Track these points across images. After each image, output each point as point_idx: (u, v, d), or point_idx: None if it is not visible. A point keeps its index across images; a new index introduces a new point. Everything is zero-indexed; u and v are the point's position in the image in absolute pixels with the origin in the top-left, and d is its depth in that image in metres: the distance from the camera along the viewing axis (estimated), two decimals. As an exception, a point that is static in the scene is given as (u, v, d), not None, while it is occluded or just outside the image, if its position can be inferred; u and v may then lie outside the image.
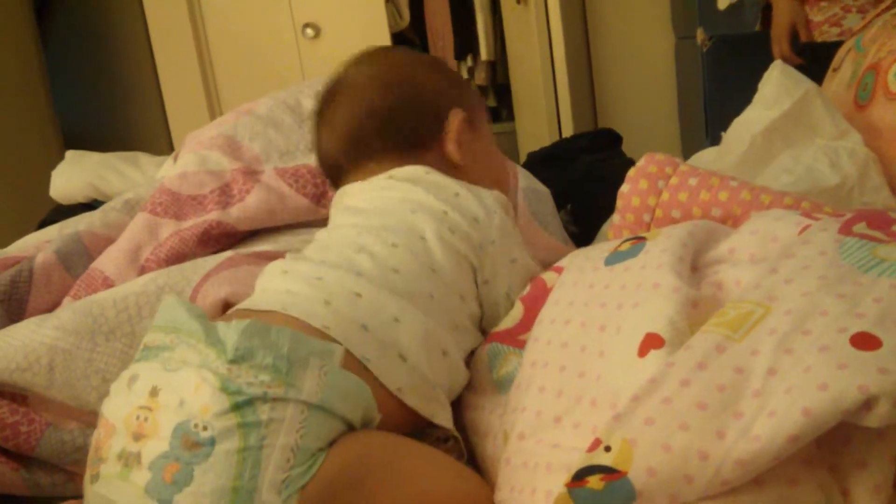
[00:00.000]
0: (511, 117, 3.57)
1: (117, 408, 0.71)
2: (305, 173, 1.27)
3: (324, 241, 0.95)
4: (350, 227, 0.93)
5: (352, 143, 1.01)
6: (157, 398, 0.68)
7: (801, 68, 1.33)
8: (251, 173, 1.30)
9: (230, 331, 0.69)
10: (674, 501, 0.58)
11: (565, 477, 0.60)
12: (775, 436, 0.56)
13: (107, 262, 1.19)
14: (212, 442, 0.64)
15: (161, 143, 3.30)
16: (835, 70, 1.49)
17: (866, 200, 1.12)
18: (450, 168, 1.00)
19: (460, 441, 0.83)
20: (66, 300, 1.15)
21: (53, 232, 1.35)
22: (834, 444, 0.61)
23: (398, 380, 0.78)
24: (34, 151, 3.73)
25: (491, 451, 0.77)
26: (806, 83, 1.29)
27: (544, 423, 0.69)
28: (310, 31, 3.23)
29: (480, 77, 3.67)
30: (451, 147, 1.01)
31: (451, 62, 3.65)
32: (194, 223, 1.22)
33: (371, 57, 1.08)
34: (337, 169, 1.04)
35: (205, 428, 0.65)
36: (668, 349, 0.65)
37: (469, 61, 3.65)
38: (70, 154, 2.04)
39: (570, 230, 1.39)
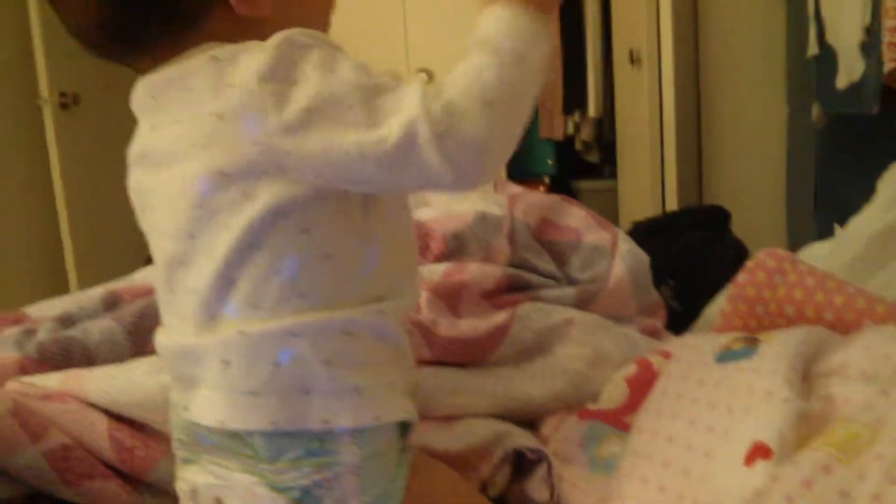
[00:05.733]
0: (614, 175, 3.57)
1: None
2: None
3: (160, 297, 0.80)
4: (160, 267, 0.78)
5: (104, 33, 0.74)
6: None
7: None
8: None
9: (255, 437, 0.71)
10: None
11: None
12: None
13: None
14: None
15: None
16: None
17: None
18: (245, 27, 0.73)
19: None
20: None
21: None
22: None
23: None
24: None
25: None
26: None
27: (646, 519, 0.71)
28: (424, 76, 3.31)
29: (587, 133, 3.70)
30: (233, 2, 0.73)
31: (559, 116, 3.68)
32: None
33: None
34: (102, 53, 0.77)
35: None
36: (776, 461, 0.66)
37: (576, 116, 3.68)
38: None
39: (673, 307, 1.40)
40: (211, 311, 0.71)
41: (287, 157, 0.66)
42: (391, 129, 0.64)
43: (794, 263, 0.93)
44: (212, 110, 0.68)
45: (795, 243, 2.99)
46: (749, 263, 0.96)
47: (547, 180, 3.86)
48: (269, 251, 0.69)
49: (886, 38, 2.06)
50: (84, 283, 3.36)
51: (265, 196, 0.68)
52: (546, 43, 0.71)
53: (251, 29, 0.72)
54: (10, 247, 3.42)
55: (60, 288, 3.44)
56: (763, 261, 0.95)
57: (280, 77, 0.66)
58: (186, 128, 0.70)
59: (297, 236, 0.69)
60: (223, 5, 0.72)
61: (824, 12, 2.58)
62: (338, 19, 0.85)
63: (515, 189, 1.59)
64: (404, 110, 0.65)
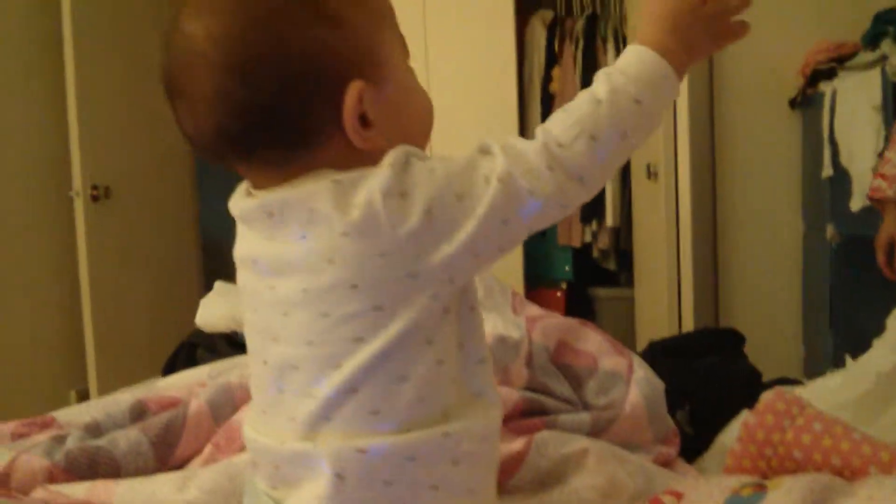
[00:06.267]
0: (630, 283, 3.61)
1: None
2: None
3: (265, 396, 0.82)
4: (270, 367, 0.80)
5: (221, 140, 0.77)
6: None
7: None
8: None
9: None
10: None
11: None
12: None
13: (245, 416, 1.29)
14: None
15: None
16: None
17: None
18: (358, 155, 0.76)
19: None
20: (208, 448, 1.25)
21: (204, 374, 1.47)
22: None
23: None
24: (174, 253, 4.00)
25: None
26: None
27: None
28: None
29: (604, 242, 3.76)
30: (350, 135, 0.76)
31: (577, 224, 3.75)
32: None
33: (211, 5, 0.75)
34: (213, 157, 0.81)
35: None
36: None
37: (594, 225, 3.75)
38: (218, 285, 2.21)
39: (687, 432, 1.42)
40: (327, 415, 0.74)
41: (416, 262, 0.72)
42: (493, 190, 0.71)
43: (801, 407, 0.96)
44: (337, 228, 0.72)
45: (811, 355, 3.02)
46: (758, 405, 0.99)
47: (564, 286, 3.90)
48: (397, 362, 0.73)
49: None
50: (103, 376, 3.39)
51: (401, 312, 0.73)
52: (671, 94, 0.77)
53: (363, 157, 0.76)
54: (34, 337, 3.47)
55: (79, 378, 3.47)
56: (772, 403, 0.98)
57: (395, 193, 0.72)
58: (311, 244, 0.74)
59: (422, 346, 0.74)
60: (340, 135, 0.76)
61: (838, 136, 2.66)
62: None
63: (534, 311, 1.64)
64: (497, 168, 0.72)
